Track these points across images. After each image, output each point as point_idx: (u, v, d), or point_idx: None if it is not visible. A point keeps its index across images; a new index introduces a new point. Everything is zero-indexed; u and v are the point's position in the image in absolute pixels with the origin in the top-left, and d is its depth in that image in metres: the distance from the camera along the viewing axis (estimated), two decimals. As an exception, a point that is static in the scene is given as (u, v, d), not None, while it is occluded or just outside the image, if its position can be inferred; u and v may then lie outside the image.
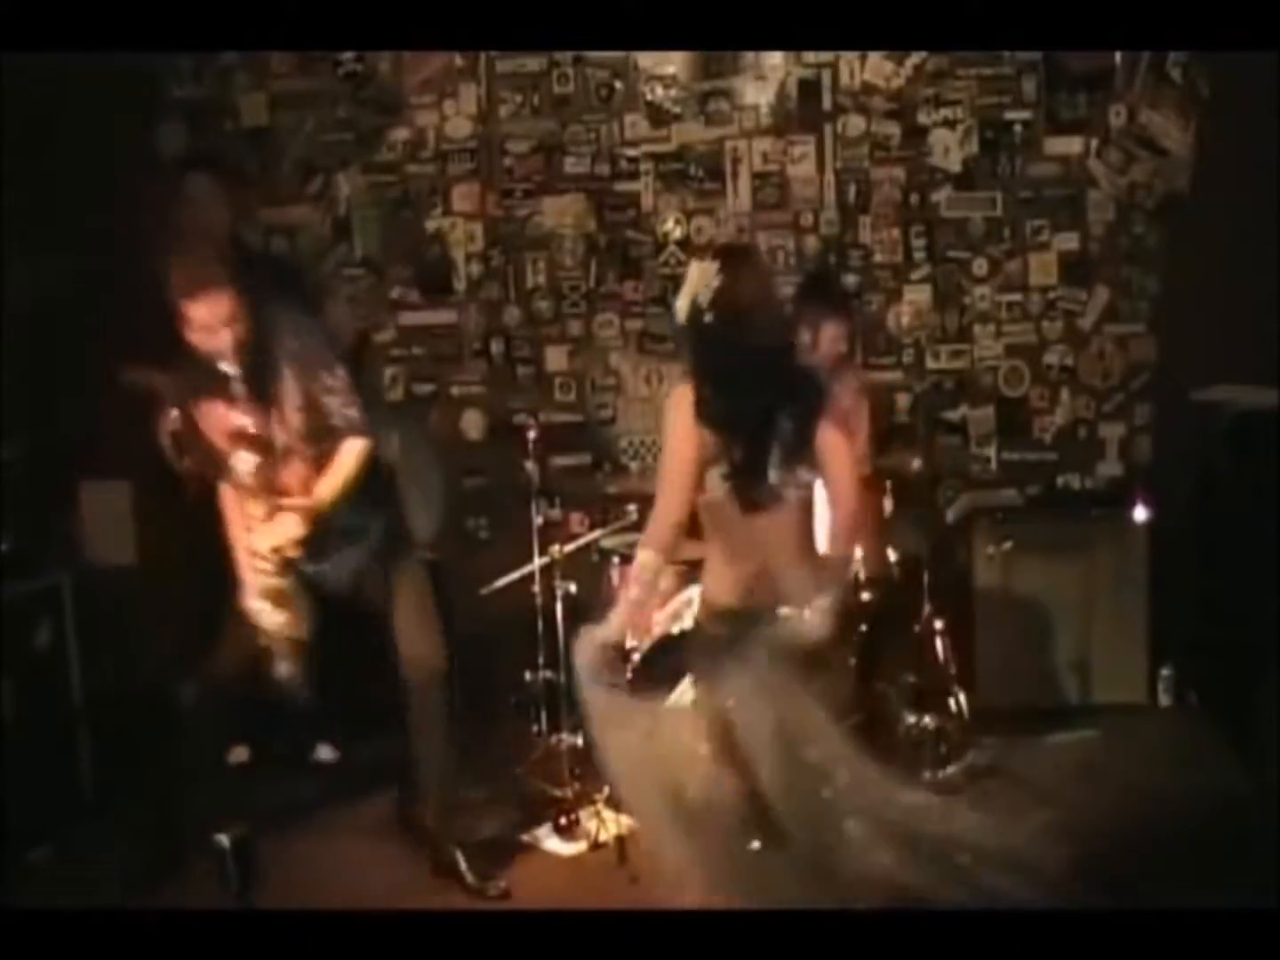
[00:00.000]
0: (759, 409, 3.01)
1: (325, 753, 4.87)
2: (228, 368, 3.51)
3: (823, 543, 3.21)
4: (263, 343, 3.57)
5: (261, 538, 3.61)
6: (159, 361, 3.78)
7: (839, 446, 3.05)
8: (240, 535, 3.71)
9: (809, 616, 3.01)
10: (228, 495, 3.74)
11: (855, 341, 5.03)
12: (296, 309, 3.88)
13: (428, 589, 3.94)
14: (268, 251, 5.37)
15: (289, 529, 3.61)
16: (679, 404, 3.05)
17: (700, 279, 3.05)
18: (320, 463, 3.68)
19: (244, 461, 3.60)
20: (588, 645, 3.10)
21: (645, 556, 3.08)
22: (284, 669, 3.68)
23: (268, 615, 3.64)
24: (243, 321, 3.51)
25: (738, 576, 3.09)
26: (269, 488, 3.64)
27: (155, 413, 3.77)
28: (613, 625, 3.13)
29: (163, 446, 3.78)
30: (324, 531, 3.68)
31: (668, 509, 3.06)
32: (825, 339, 4.47)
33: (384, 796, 4.30)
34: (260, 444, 3.62)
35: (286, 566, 3.65)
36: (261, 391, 3.60)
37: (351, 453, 3.68)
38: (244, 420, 3.60)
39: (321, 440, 3.67)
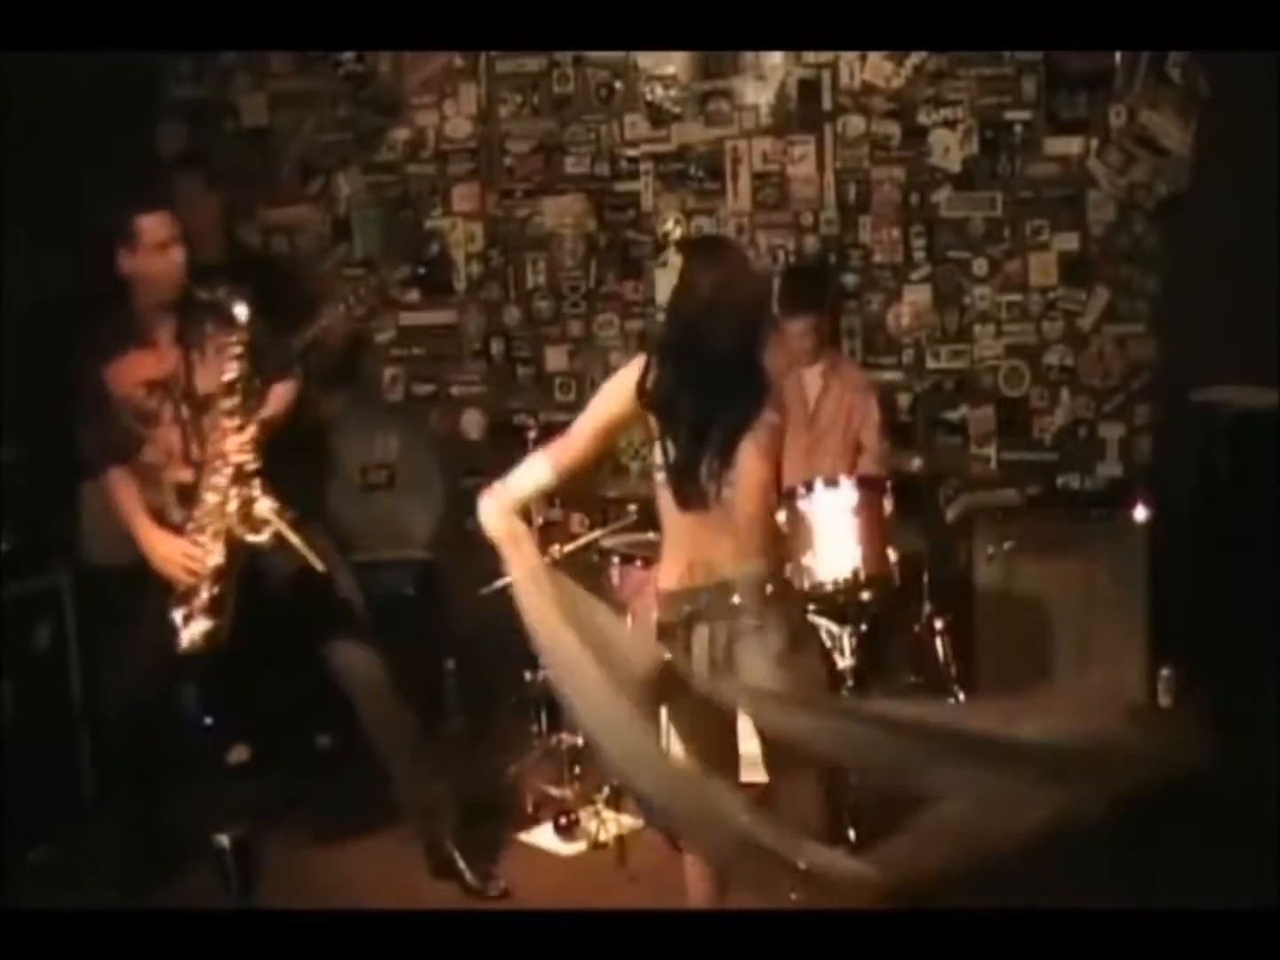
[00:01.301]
0: (696, 410, 2.97)
1: (325, 740, 4.86)
2: (163, 294, 3.61)
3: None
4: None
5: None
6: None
7: (755, 468, 2.98)
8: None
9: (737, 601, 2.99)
10: (119, 479, 3.72)
11: (831, 332, 4.98)
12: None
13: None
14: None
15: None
16: (629, 369, 3.05)
17: (674, 270, 3.04)
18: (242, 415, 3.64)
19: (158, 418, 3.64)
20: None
21: (536, 463, 3.18)
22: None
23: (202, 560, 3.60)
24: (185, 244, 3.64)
25: (679, 563, 3.07)
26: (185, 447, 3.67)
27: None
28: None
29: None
30: None
31: (571, 443, 3.12)
32: (792, 334, 4.53)
33: (383, 795, 4.30)
34: (178, 394, 3.66)
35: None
36: (191, 329, 3.68)
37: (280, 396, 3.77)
38: (165, 367, 3.65)
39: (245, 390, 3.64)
